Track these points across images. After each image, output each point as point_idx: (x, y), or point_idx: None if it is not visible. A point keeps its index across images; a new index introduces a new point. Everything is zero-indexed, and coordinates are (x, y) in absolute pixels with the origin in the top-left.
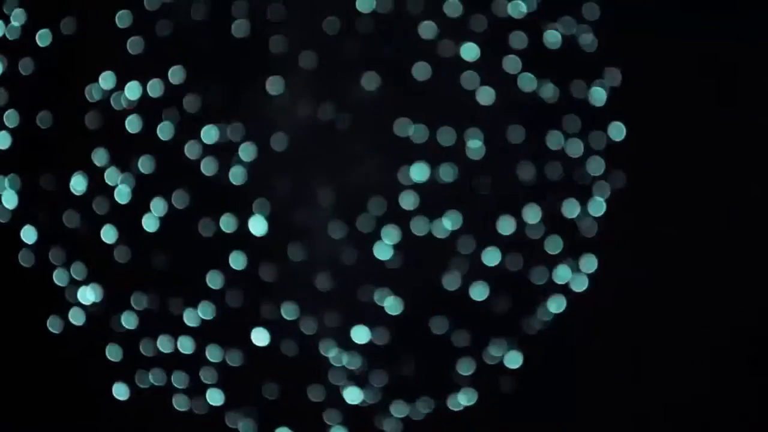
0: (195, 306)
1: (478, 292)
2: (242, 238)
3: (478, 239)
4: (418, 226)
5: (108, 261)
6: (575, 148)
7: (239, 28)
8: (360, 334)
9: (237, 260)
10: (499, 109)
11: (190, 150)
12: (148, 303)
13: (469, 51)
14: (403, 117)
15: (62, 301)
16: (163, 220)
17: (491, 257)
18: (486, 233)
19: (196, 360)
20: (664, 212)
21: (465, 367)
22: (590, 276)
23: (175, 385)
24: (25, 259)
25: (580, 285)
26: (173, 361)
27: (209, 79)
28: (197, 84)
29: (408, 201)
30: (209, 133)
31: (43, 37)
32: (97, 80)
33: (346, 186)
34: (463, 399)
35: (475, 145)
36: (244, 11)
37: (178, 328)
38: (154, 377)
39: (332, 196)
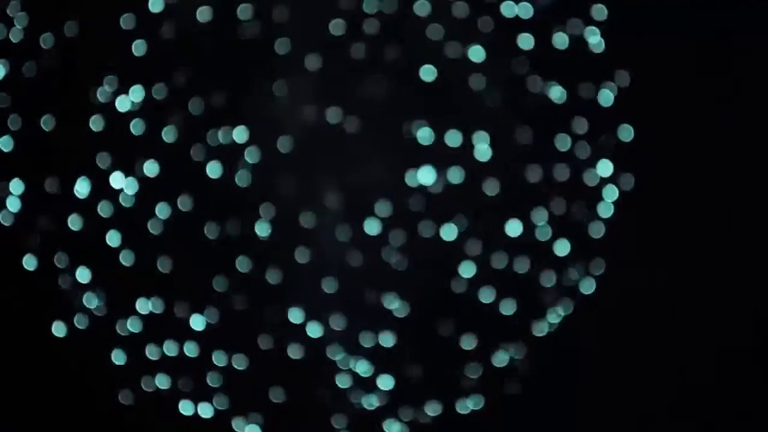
0: (201, 310)
1: (486, 295)
2: (248, 242)
3: (486, 242)
4: (426, 229)
5: (113, 265)
6: (583, 151)
7: (244, 30)
8: (367, 338)
9: (243, 264)
10: (507, 111)
11: (196, 153)
12: (153, 307)
13: (477, 53)
14: (409, 119)
15: (67, 306)
16: (168, 224)
17: (499, 260)
18: (494, 236)
19: (202, 364)
20: (673, 215)
21: (472, 371)
22: (598, 278)
23: (181, 389)
24: (29, 263)
25: (588, 288)
26: (179, 365)
27: (214, 82)
28: (202, 87)
29: (415, 203)
30: (214, 136)
31: (46, 40)
32: (101, 83)
33: (352, 189)
34: (471, 403)
35: (482, 148)
36: (249, 13)
37: (183, 333)
38: (159, 382)
39: (339, 199)
